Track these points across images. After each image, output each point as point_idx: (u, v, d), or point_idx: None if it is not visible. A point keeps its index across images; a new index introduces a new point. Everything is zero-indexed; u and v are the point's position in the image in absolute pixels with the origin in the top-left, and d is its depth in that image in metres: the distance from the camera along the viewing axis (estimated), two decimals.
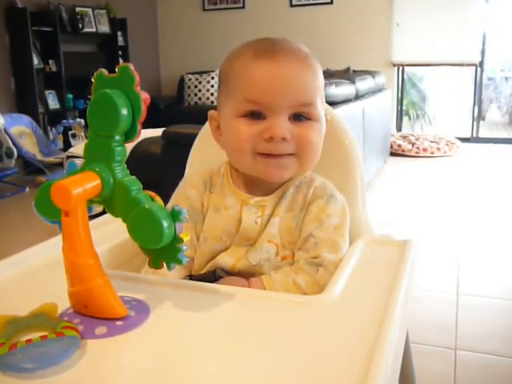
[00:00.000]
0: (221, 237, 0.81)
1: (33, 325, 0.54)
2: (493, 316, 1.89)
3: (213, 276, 0.78)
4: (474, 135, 5.77)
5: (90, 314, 0.56)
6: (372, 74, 4.19)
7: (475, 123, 5.78)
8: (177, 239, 0.55)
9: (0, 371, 0.47)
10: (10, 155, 4.00)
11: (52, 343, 0.49)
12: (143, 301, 0.60)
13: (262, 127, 0.74)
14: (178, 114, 5.41)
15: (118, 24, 5.63)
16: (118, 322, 0.55)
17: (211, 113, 0.85)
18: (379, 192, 3.70)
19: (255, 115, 0.75)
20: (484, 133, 6.07)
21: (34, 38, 4.70)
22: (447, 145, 5.09)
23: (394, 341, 0.52)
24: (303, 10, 5.81)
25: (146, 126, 0.62)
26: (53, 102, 4.93)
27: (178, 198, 0.85)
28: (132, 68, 0.55)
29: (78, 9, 5.16)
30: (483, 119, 6.53)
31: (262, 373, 0.48)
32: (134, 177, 0.57)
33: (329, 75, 3.60)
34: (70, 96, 5.09)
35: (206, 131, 1.05)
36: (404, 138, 5.30)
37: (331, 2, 5.69)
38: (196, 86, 5.91)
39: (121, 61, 5.60)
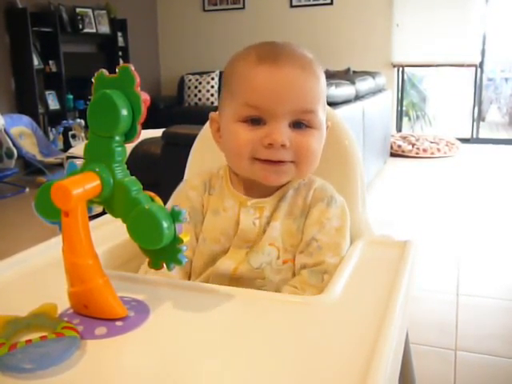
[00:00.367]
0: (219, 239, 0.80)
1: (33, 325, 0.54)
2: (493, 316, 1.89)
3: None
4: (474, 136, 5.77)
5: (90, 315, 0.56)
6: (372, 74, 4.19)
7: (475, 124, 5.78)
8: (177, 240, 0.55)
9: (0, 371, 0.47)
10: (10, 155, 4.00)
11: (52, 344, 0.49)
12: (143, 301, 0.60)
13: (262, 133, 0.74)
14: (178, 114, 5.42)
15: (118, 24, 5.63)
16: (118, 323, 0.55)
17: (212, 115, 0.84)
18: (379, 192, 3.70)
19: (255, 121, 0.74)
20: (484, 133, 6.07)
21: (34, 39, 4.71)
22: (447, 145, 5.09)
23: (394, 341, 0.52)
24: (303, 11, 5.82)
25: (145, 126, 0.62)
26: (53, 103, 4.94)
27: (178, 199, 0.85)
28: (132, 68, 0.55)
29: (78, 9, 5.17)
30: (483, 120, 6.52)
31: (262, 373, 0.48)
32: (133, 177, 0.57)
33: (329, 76, 3.59)
34: (70, 96, 5.10)
35: (205, 132, 1.05)
36: (404, 138, 5.30)
37: (331, 3, 5.70)
38: (196, 87, 5.92)
39: (121, 61, 5.61)
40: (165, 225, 0.53)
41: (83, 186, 0.54)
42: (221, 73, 5.86)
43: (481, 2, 5.34)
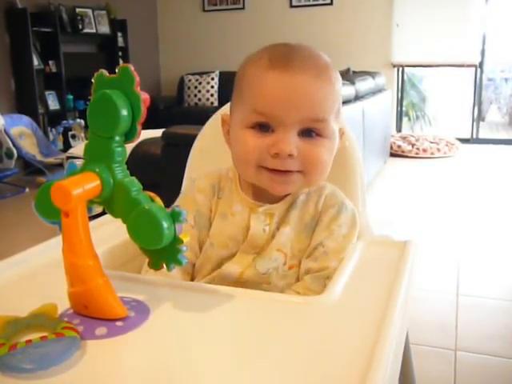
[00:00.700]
0: (227, 243, 0.79)
1: (33, 325, 0.54)
2: (493, 317, 1.89)
3: None
4: (474, 136, 5.77)
5: (90, 315, 0.56)
6: (372, 74, 4.19)
7: (475, 124, 5.78)
8: (177, 240, 0.55)
9: (0, 371, 0.47)
10: (9, 156, 4.00)
11: (52, 344, 0.49)
12: (143, 301, 0.60)
13: (270, 141, 0.71)
14: (178, 114, 5.42)
15: (118, 25, 5.64)
16: (118, 323, 0.55)
17: (224, 116, 0.82)
18: (379, 193, 3.70)
19: (264, 127, 0.72)
20: (484, 133, 6.06)
21: (34, 39, 4.71)
22: (447, 145, 5.09)
23: (393, 341, 0.52)
24: (303, 11, 5.82)
25: (145, 126, 0.62)
26: (53, 103, 4.94)
27: (185, 202, 0.83)
28: (132, 69, 0.55)
29: (78, 9, 5.17)
30: (483, 120, 6.52)
31: (262, 373, 0.48)
32: (133, 177, 0.57)
33: None
34: (70, 97, 5.10)
35: (205, 132, 1.05)
36: (404, 138, 5.30)
37: (331, 3, 5.70)
38: (196, 87, 5.92)
39: (121, 61, 5.61)
40: (165, 225, 0.53)
41: (83, 186, 0.54)
42: (221, 73, 5.86)
43: (481, 2, 5.34)
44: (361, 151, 1.01)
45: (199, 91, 5.89)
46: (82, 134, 4.86)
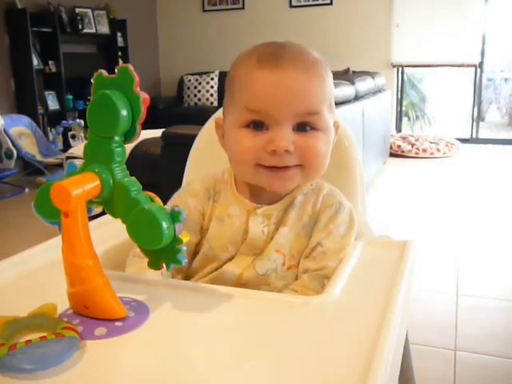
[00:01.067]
0: (227, 246, 0.79)
1: (32, 325, 0.54)
2: (492, 317, 1.89)
3: None
4: (474, 136, 5.77)
5: (90, 315, 0.56)
6: (372, 74, 4.19)
7: (475, 124, 5.78)
8: (176, 240, 0.55)
9: (0, 372, 0.47)
10: (9, 156, 4.00)
11: (51, 344, 0.49)
12: (142, 302, 0.60)
13: (265, 139, 0.72)
14: (178, 114, 5.41)
15: (117, 25, 5.63)
16: (118, 323, 0.55)
17: (217, 120, 0.82)
18: (379, 193, 3.70)
19: (258, 125, 0.72)
20: (483, 134, 6.07)
21: (34, 39, 4.71)
22: (447, 146, 5.09)
23: (393, 341, 0.52)
24: (303, 11, 5.82)
25: (145, 126, 0.62)
26: (52, 103, 4.94)
27: (176, 204, 0.83)
28: (131, 69, 0.55)
29: (77, 10, 5.17)
30: (483, 120, 6.52)
31: (262, 373, 0.48)
32: (133, 177, 0.57)
33: None
34: (70, 97, 5.09)
35: (205, 132, 1.05)
36: (404, 138, 5.30)
37: (331, 3, 5.70)
38: (196, 87, 5.92)
39: (120, 61, 5.61)
40: (164, 225, 0.53)
41: (83, 186, 0.54)
42: (220, 73, 5.86)
43: (481, 2, 5.34)
44: (360, 151, 1.02)
45: (199, 91, 5.89)
46: (82, 134, 4.86)
